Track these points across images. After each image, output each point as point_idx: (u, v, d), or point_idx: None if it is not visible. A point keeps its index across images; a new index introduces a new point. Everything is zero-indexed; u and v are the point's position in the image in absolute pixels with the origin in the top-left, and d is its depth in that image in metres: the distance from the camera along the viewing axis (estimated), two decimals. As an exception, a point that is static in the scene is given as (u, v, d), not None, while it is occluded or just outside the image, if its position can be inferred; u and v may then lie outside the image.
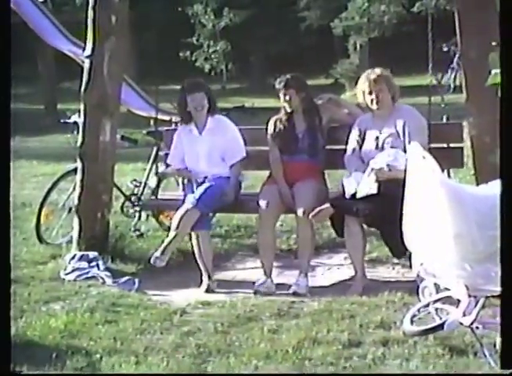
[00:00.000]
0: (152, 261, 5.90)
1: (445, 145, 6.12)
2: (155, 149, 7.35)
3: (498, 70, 3.41)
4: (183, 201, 6.06)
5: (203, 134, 6.33)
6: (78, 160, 6.60)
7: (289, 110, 6.19)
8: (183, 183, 6.94)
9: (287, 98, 6.15)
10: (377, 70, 5.88)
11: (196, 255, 6.00)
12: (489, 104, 5.88)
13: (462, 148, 6.16)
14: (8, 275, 3.77)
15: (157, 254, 5.88)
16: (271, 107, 8.89)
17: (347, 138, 6.00)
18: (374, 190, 5.53)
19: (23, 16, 15.64)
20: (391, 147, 5.70)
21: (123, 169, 9.57)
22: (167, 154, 6.85)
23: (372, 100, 5.82)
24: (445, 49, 17.06)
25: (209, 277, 5.93)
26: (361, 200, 5.59)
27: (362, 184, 5.60)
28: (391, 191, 5.15)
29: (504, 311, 3.45)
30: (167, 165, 6.74)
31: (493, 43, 3.96)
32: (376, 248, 6.45)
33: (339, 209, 5.70)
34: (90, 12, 6.50)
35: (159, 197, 6.98)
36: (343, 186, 5.74)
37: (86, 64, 6.56)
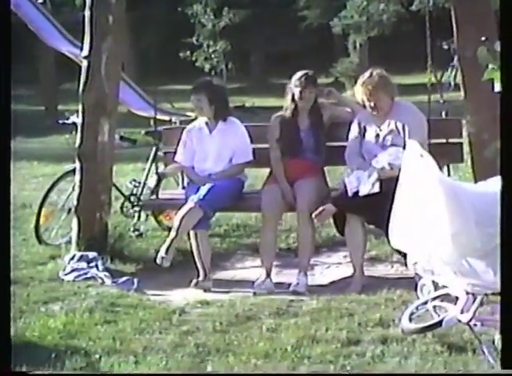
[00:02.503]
0: (158, 261, 5.88)
1: (444, 140, 6.13)
2: (154, 149, 7.34)
3: (495, 65, 3.40)
4: (186, 200, 6.05)
5: (214, 133, 6.30)
6: (77, 160, 6.59)
7: (307, 106, 6.09)
8: (183, 182, 6.93)
9: (309, 94, 6.07)
10: (373, 79, 5.79)
11: (195, 255, 5.98)
12: (487, 102, 5.89)
13: (461, 143, 6.16)
14: (7, 274, 3.77)
15: (162, 254, 5.86)
16: (271, 106, 8.90)
17: (347, 135, 6.00)
18: (377, 189, 5.57)
19: (22, 17, 15.67)
20: (392, 144, 5.72)
21: (122, 169, 9.56)
22: (166, 153, 6.84)
23: (371, 107, 5.82)
24: (446, 47, 17.01)
25: (205, 276, 5.91)
26: (363, 199, 5.62)
27: (364, 183, 5.63)
28: (393, 189, 5.14)
29: (504, 310, 3.44)
30: (166, 165, 6.74)
31: (482, 38, 3.95)
32: (375, 246, 6.44)
33: (341, 208, 5.71)
34: (87, 13, 6.49)
35: (159, 196, 6.96)
36: (344, 184, 5.75)
37: (84, 64, 6.55)
